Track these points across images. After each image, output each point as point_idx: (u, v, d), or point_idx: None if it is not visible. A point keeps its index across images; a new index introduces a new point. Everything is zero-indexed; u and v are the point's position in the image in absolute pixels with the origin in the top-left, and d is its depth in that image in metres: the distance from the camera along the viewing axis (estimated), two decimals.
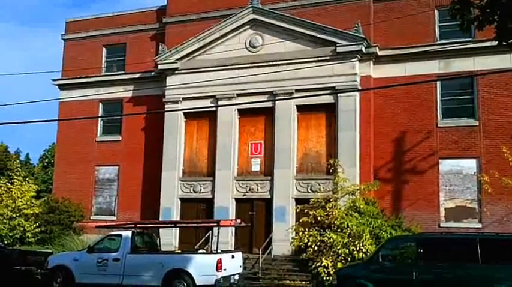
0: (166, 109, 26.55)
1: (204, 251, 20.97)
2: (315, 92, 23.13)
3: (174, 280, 17.08)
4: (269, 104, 24.68)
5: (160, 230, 21.27)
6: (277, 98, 24.24)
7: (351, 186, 21.91)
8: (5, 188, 28.68)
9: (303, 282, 20.62)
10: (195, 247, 23.27)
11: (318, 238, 20.63)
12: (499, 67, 21.32)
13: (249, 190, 25.00)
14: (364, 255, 19.07)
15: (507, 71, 20.42)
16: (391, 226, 20.92)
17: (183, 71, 26.75)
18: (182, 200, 26.43)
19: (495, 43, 8.46)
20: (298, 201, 23.65)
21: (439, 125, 23.34)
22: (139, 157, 28.43)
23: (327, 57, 23.99)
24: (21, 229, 27.23)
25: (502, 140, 21.93)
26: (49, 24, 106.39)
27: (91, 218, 28.58)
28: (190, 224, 22.67)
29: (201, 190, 26.00)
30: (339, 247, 19.85)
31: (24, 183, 29.20)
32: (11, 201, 27.92)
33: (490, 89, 22.72)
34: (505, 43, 8.19)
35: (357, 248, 19.58)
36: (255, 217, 24.72)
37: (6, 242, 27.08)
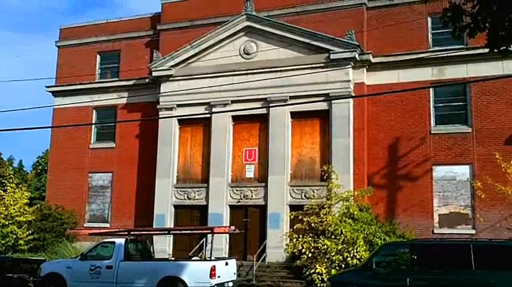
0: (160, 116, 26.54)
1: (198, 258, 20.91)
2: (309, 99, 23.15)
3: None
4: (263, 111, 24.72)
5: (154, 237, 21.23)
6: (271, 104, 24.26)
7: (344, 192, 22.00)
8: None
9: None
10: (189, 254, 23.22)
11: (312, 244, 20.69)
12: (491, 74, 21.45)
13: (243, 196, 24.97)
14: (358, 261, 19.11)
15: (499, 78, 20.54)
16: (385, 232, 20.98)
17: (177, 78, 26.77)
18: (176, 207, 26.37)
19: (487, 50, 8.50)
20: (293, 208, 23.66)
21: (432, 132, 23.42)
22: (133, 163, 28.38)
23: (321, 64, 24.06)
24: (14, 236, 27.06)
25: (495, 146, 22.03)
26: (46, 31, 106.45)
27: (84, 225, 28.46)
28: (184, 231, 22.62)
29: (195, 196, 25.96)
30: (333, 254, 19.90)
31: (17, 190, 29.06)
32: (4, 208, 27.77)
33: (483, 96, 22.83)
34: (496, 50, 8.24)
35: (351, 255, 19.62)
36: (249, 224, 24.68)
37: None
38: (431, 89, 23.43)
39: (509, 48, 8.17)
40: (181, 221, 25.87)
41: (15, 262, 20.91)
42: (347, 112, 23.69)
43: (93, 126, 30.01)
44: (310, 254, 20.56)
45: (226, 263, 17.96)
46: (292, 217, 22.82)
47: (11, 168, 39.91)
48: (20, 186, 30.22)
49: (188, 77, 26.45)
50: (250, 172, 25.35)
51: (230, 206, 25.22)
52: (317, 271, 19.88)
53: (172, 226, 25.64)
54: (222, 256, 22.19)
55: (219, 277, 16.91)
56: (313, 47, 24.37)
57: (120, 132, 29.21)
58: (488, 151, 22.10)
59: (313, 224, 21.33)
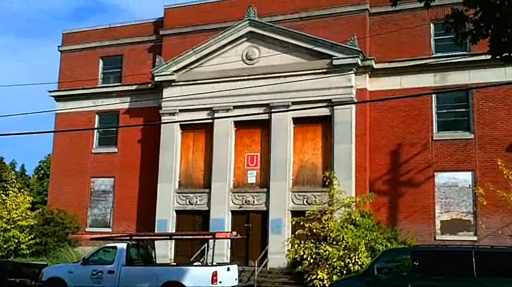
0: (162, 121, 26.55)
1: (200, 263, 20.89)
2: (311, 105, 23.18)
3: None
4: (265, 116, 24.70)
5: (156, 242, 21.24)
6: (273, 110, 24.26)
7: (346, 198, 21.97)
8: (0, 200, 28.57)
9: None
10: (191, 260, 23.21)
11: (314, 250, 20.66)
12: (494, 80, 21.43)
13: (245, 202, 24.95)
14: (359, 268, 19.08)
15: (502, 85, 20.53)
16: (387, 239, 20.95)
17: (179, 83, 26.81)
18: (178, 212, 26.36)
19: (490, 57, 8.50)
20: (294, 213, 23.64)
21: (434, 138, 23.40)
22: (135, 168, 28.39)
23: (323, 70, 24.08)
24: (16, 240, 27.09)
25: (497, 153, 22.01)
26: (48, 36, 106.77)
27: (86, 230, 28.44)
28: (186, 237, 22.64)
29: (196, 202, 25.95)
30: (334, 260, 19.86)
31: (19, 194, 29.07)
32: (6, 213, 27.80)
33: (485, 103, 22.81)
34: (498, 57, 8.24)
35: (353, 261, 19.60)
36: (251, 229, 24.66)
37: (0, 254, 26.96)
38: (433, 95, 23.42)
39: (511, 55, 8.16)
40: (183, 227, 25.86)
41: (17, 267, 20.92)
42: (349, 118, 23.68)
43: (96, 131, 30.05)
44: (311, 260, 20.52)
45: (228, 269, 17.96)
46: (293, 222, 22.81)
47: (13, 172, 39.89)
48: (22, 190, 30.23)
49: (190, 82, 26.49)
50: (252, 177, 25.34)
51: (232, 211, 25.21)
52: (318, 277, 19.84)
53: (174, 231, 25.62)
54: (223, 262, 22.16)
55: (220, 282, 16.91)
56: (316, 53, 24.40)
57: (122, 137, 29.24)
58: (490, 158, 22.08)
59: (314, 230, 21.30)
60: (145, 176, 27.77)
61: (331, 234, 20.66)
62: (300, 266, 20.89)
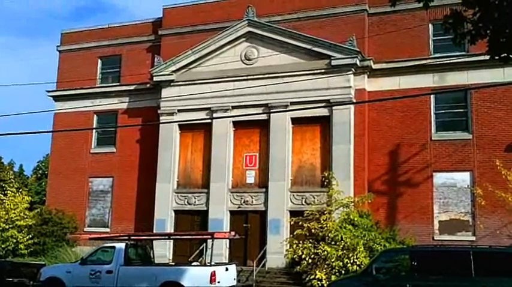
0: (161, 121, 26.54)
1: (198, 263, 20.91)
2: (310, 105, 23.18)
3: None
4: (264, 117, 24.70)
5: (154, 242, 21.23)
6: (272, 110, 24.26)
7: (345, 198, 22.00)
8: None
9: None
10: (189, 260, 23.20)
11: (312, 250, 20.66)
12: (492, 81, 21.46)
13: (244, 202, 24.95)
14: (358, 268, 19.09)
15: (500, 85, 20.56)
16: (385, 239, 20.97)
17: (178, 83, 26.80)
18: (176, 212, 26.35)
19: (488, 57, 8.52)
20: (293, 213, 23.65)
21: (433, 138, 23.42)
22: (134, 168, 28.37)
23: (322, 70, 24.08)
24: (14, 240, 27.07)
25: (495, 153, 22.04)
26: (47, 36, 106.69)
27: (84, 229, 28.43)
28: (184, 237, 22.63)
29: (195, 202, 25.95)
30: (333, 260, 19.88)
31: (17, 194, 29.06)
32: (4, 212, 27.78)
33: (484, 103, 22.84)
34: (497, 57, 8.25)
35: (351, 261, 19.61)
36: (250, 229, 24.66)
37: None
38: (432, 96, 23.44)
39: (510, 56, 8.17)
40: (181, 226, 25.86)
41: (15, 266, 20.91)
42: (348, 118, 23.70)
43: (94, 131, 30.02)
44: (310, 260, 20.53)
45: (226, 269, 17.96)
46: (292, 222, 22.81)
47: (11, 172, 39.81)
48: (20, 190, 30.21)
49: (189, 83, 26.48)
50: (250, 177, 25.34)
51: (230, 211, 25.20)
52: (317, 277, 19.85)
53: (172, 231, 25.61)
54: (222, 261, 22.16)
55: (219, 282, 16.91)
56: (314, 53, 24.40)
57: (120, 137, 29.23)
58: (488, 158, 22.11)
59: (313, 230, 21.31)
60: (144, 176, 27.74)
61: (329, 234, 20.68)
62: (299, 266, 20.90)
